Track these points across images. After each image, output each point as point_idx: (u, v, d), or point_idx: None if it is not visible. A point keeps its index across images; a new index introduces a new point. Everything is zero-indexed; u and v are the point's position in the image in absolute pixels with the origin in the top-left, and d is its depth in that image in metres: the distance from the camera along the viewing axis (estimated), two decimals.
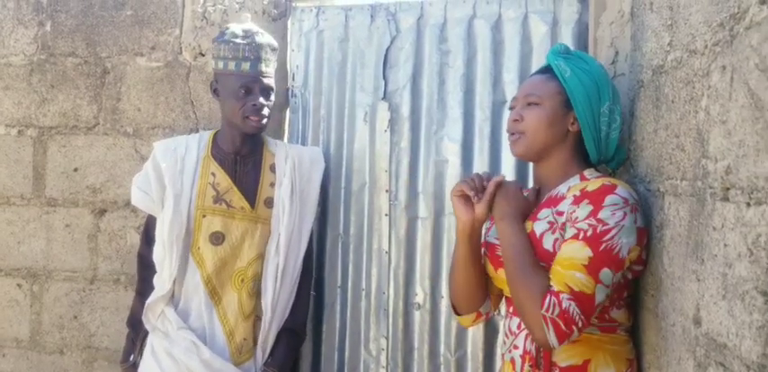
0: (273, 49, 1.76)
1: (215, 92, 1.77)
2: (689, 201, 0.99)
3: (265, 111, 1.72)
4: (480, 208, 1.30)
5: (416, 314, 1.94)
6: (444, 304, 1.91)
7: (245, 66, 1.69)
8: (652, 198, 1.22)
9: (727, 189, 0.81)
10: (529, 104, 1.32)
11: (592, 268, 1.12)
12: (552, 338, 1.11)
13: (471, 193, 1.30)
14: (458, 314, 1.45)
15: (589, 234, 1.14)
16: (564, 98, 1.29)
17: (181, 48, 2.09)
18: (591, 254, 1.13)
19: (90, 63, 2.17)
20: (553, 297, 1.11)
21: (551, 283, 1.14)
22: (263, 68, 1.72)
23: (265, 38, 1.74)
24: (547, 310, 1.11)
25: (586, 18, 1.80)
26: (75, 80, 2.17)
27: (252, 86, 1.70)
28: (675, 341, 1.04)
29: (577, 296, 1.11)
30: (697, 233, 0.94)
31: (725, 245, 0.81)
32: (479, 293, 1.38)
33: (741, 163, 0.77)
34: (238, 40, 1.70)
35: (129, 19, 2.13)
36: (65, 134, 2.18)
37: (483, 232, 1.39)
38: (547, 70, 1.34)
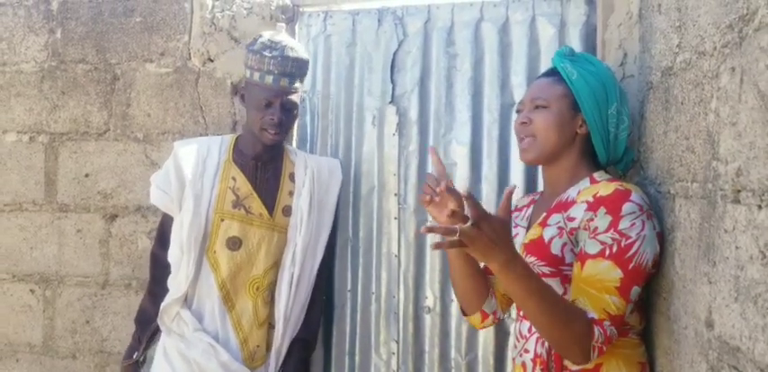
0: (302, 64, 1.72)
1: (242, 97, 1.77)
2: (700, 203, 0.98)
3: (283, 126, 1.71)
4: (453, 253, 1.32)
5: (427, 318, 1.93)
6: (455, 307, 1.90)
7: (269, 79, 1.68)
8: (663, 200, 1.22)
9: (738, 191, 0.81)
10: (537, 107, 1.31)
11: (624, 289, 1.13)
12: (594, 357, 1.12)
13: (427, 198, 1.24)
14: (465, 314, 1.45)
15: (615, 249, 1.14)
16: (571, 100, 1.29)
17: (190, 53, 2.10)
18: (621, 275, 1.13)
19: (100, 69, 2.19)
20: (599, 328, 1.11)
21: (588, 308, 1.12)
22: (286, 84, 1.69)
23: (294, 52, 1.70)
24: (596, 341, 1.11)
25: (594, 20, 1.80)
26: (85, 86, 2.19)
27: (272, 100, 1.69)
28: (688, 344, 1.03)
29: (614, 320, 1.13)
30: (708, 235, 0.93)
31: (736, 248, 0.81)
32: (476, 292, 1.38)
33: (752, 165, 0.76)
34: (266, 53, 1.67)
35: (139, 25, 2.15)
36: (76, 140, 2.20)
37: None
38: (553, 73, 1.34)
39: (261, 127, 1.70)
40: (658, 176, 1.27)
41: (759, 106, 0.75)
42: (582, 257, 1.17)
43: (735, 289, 0.81)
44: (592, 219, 1.17)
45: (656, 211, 1.22)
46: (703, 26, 0.98)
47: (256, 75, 1.69)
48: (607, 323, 1.12)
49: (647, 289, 1.27)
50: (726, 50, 0.87)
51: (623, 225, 1.14)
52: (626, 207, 1.15)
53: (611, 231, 1.14)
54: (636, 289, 1.14)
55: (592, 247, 1.16)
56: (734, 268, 0.82)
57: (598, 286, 1.13)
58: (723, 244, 0.86)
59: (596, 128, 1.28)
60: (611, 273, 1.13)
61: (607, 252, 1.14)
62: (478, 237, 0.98)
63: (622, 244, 1.13)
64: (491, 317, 1.42)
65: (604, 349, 1.12)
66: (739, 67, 0.81)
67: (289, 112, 1.72)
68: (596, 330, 1.11)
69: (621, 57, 1.63)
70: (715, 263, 0.90)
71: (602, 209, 1.16)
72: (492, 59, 1.89)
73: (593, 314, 1.11)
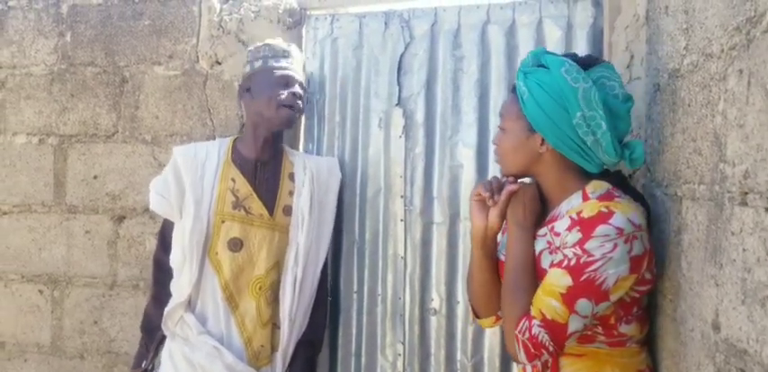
0: (303, 67, 1.93)
1: (247, 90, 1.81)
2: (707, 206, 0.98)
3: (300, 103, 1.80)
4: (493, 215, 1.28)
5: (433, 320, 1.93)
6: (461, 309, 1.90)
7: (284, 62, 1.81)
8: (669, 202, 1.21)
9: (746, 193, 0.81)
10: (500, 128, 1.32)
11: (568, 297, 1.12)
12: (522, 356, 1.17)
13: (487, 195, 1.28)
14: (477, 316, 1.44)
15: (572, 263, 1.13)
16: (526, 121, 1.24)
17: (198, 56, 2.12)
18: (570, 283, 1.13)
19: (109, 72, 2.20)
20: (526, 321, 1.15)
21: (531, 307, 1.17)
22: (299, 70, 1.87)
23: (300, 54, 1.92)
24: (519, 331, 1.15)
25: (601, 22, 1.80)
26: (94, 89, 2.21)
27: (290, 79, 1.80)
28: (694, 347, 1.03)
29: (548, 325, 1.13)
30: (715, 237, 0.93)
31: (743, 250, 0.81)
32: (496, 297, 1.36)
33: (759, 168, 0.76)
34: (279, 44, 1.85)
35: (147, 29, 2.16)
36: (84, 142, 2.22)
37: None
38: (515, 89, 1.30)
39: (279, 104, 1.76)
40: (665, 178, 1.27)
41: (767, 108, 0.75)
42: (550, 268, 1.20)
43: (742, 292, 0.81)
44: (567, 235, 1.17)
45: (662, 213, 1.22)
46: (711, 28, 0.98)
47: (271, 61, 1.81)
48: (536, 322, 1.14)
49: (653, 292, 1.27)
50: (733, 52, 0.87)
51: (590, 245, 1.12)
52: (600, 229, 1.13)
53: (576, 247, 1.14)
54: (584, 302, 1.11)
55: (557, 258, 1.18)
56: (741, 270, 0.82)
57: (547, 289, 1.15)
58: (730, 247, 0.86)
59: (562, 143, 1.22)
60: (560, 280, 1.14)
61: (565, 262, 1.15)
62: (531, 197, 1.27)
63: (581, 260, 1.13)
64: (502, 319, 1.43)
65: (532, 350, 1.14)
66: (747, 70, 0.81)
67: (302, 94, 1.83)
68: (523, 321, 1.15)
69: (628, 60, 1.63)
70: (722, 266, 0.90)
71: (577, 227, 1.15)
72: (498, 62, 1.89)
73: (531, 311, 1.16)
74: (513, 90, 1.29)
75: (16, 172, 2.27)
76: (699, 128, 1.03)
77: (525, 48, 1.87)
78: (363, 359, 2.00)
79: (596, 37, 1.81)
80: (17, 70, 2.28)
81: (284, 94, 1.76)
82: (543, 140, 1.23)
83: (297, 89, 1.79)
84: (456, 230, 1.92)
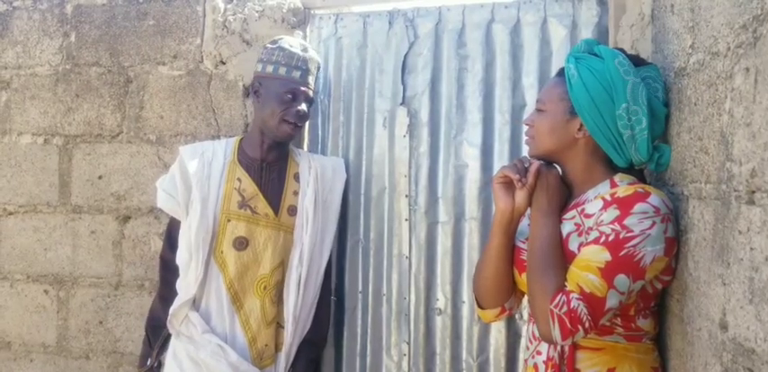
0: (318, 68, 1.86)
1: (255, 92, 1.80)
2: (713, 205, 0.98)
3: (303, 119, 1.78)
4: (521, 197, 1.28)
5: (438, 320, 1.93)
6: (466, 309, 1.90)
7: (296, 74, 1.77)
8: (676, 201, 1.21)
9: (753, 192, 0.80)
10: (538, 110, 1.31)
11: (607, 272, 1.11)
12: (556, 333, 1.12)
13: (516, 177, 1.27)
14: (481, 307, 1.42)
15: (611, 238, 1.13)
16: (569, 104, 1.25)
17: (202, 56, 2.12)
18: (609, 258, 1.11)
19: (113, 72, 2.21)
20: (563, 296, 1.12)
21: (566, 283, 1.14)
22: (311, 80, 1.81)
23: (316, 55, 1.85)
24: (556, 306, 1.12)
25: (606, 21, 1.79)
26: (99, 89, 2.22)
27: (298, 93, 1.76)
28: (702, 346, 1.02)
29: (587, 298, 1.10)
30: (722, 236, 0.93)
31: (751, 249, 0.81)
32: (506, 288, 1.35)
33: (766, 166, 0.76)
34: (295, 50, 1.78)
35: (152, 29, 2.17)
36: (89, 142, 2.22)
37: None
38: (562, 72, 1.32)
39: (282, 118, 1.74)
40: (672, 177, 1.26)
41: None
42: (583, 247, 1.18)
43: (749, 291, 0.81)
44: (602, 215, 1.17)
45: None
46: (717, 26, 0.98)
47: (282, 70, 1.76)
48: (575, 295, 1.11)
49: (661, 291, 1.26)
50: (740, 51, 0.86)
51: (629, 220, 1.13)
52: (639, 206, 1.14)
53: (615, 223, 1.14)
54: (623, 278, 1.11)
55: (592, 236, 1.17)
56: (748, 269, 0.81)
57: (582, 265, 1.13)
58: (737, 246, 0.86)
59: (599, 131, 1.23)
60: (598, 255, 1.12)
61: (602, 239, 1.14)
62: (554, 181, 1.29)
63: (621, 236, 1.12)
64: (507, 312, 1.41)
65: (568, 326, 1.10)
66: (753, 68, 0.81)
67: (308, 107, 1.79)
68: (559, 296, 1.12)
69: None
70: (729, 265, 0.89)
71: (614, 205, 1.16)
72: (503, 61, 1.89)
73: (566, 286, 1.13)
74: (560, 74, 1.31)
75: (21, 172, 2.28)
76: (705, 126, 1.03)
77: (530, 46, 1.87)
78: (368, 359, 2.00)
79: (601, 36, 1.80)
80: (22, 70, 2.29)
81: (289, 111, 1.74)
82: (582, 126, 1.25)
83: (302, 106, 1.76)
84: (461, 229, 1.92)
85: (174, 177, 1.78)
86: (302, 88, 1.77)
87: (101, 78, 2.22)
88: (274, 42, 1.81)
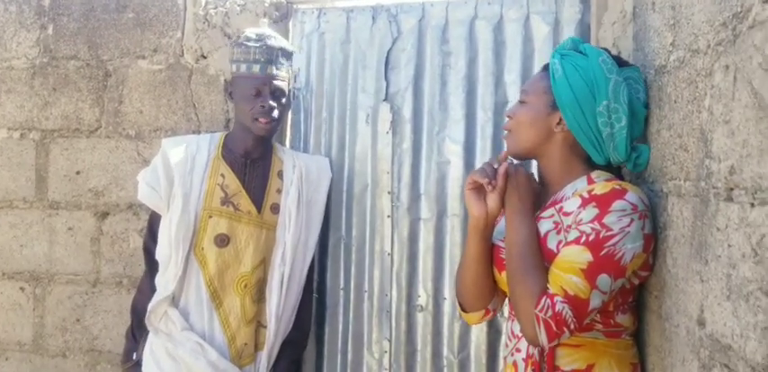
0: (286, 53, 1.78)
1: (230, 95, 1.78)
2: (692, 202, 0.98)
3: (275, 113, 1.73)
4: (492, 200, 1.27)
5: (419, 316, 1.93)
6: (447, 305, 1.90)
7: (255, 68, 1.72)
8: (655, 198, 1.21)
9: (731, 189, 0.81)
10: (521, 102, 1.32)
11: (590, 273, 1.11)
12: (542, 337, 1.12)
13: (485, 180, 1.26)
14: (465, 311, 1.42)
15: (591, 238, 1.13)
16: (551, 98, 1.26)
17: (183, 50, 2.09)
18: (591, 259, 1.12)
19: (92, 66, 2.17)
20: (548, 299, 1.12)
21: (548, 285, 1.14)
22: (274, 71, 1.73)
23: (278, 41, 1.76)
24: (541, 310, 1.12)
25: (588, 18, 1.80)
26: (77, 83, 2.18)
27: (261, 88, 1.72)
28: (680, 343, 1.03)
29: (571, 300, 1.11)
30: (701, 233, 0.93)
31: (729, 246, 0.81)
32: (488, 291, 1.36)
33: (745, 164, 0.76)
34: (250, 43, 1.72)
35: (131, 22, 2.13)
36: (67, 137, 2.19)
37: None
38: (548, 67, 1.33)
39: (252, 117, 1.71)
40: (651, 174, 1.27)
41: (752, 104, 0.74)
42: (563, 247, 1.18)
43: (727, 288, 0.81)
44: (580, 213, 1.17)
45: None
46: (697, 24, 0.98)
47: (243, 67, 1.72)
48: (559, 298, 1.11)
49: (640, 288, 1.27)
50: (720, 48, 0.87)
51: (608, 219, 1.13)
52: (617, 203, 1.14)
53: (594, 222, 1.14)
54: (605, 278, 1.11)
55: (571, 235, 1.17)
56: (726, 266, 0.82)
57: (565, 266, 1.14)
58: (716, 243, 0.86)
59: (579, 127, 1.24)
60: (579, 256, 1.13)
61: (583, 239, 1.14)
62: (524, 181, 1.28)
63: (601, 235, 1.13)
64: (491, 313, 1.41)
65: (554, 328, 1.10)
66: (733, 65, 0.81)
67: (278, 100, 1.74)
68: (544, 299, 1.12)
69: None
70: (707, 261, 0.90)
71: (593, 203, 1.16)
72: (486, 57, 1.89)
73: (549, 289, 1.13)
74: (546, 68, 1.32)
75: None
76: (685, 124, 1.03)
77: (513, 43, 1.87)
78: (350, 356, 1.99)
79: (583, 33, 1.81)
80: None
81: (256, 107, 1.70)
82: (561, 120, 1.25)
83: (268, 100, 1.70)
84: (443, 226, 1.91)
85: (157, 169, 1.75)
86: (264, 82, 1.71)
87: (79, 72, 2.18)
88: (236, 38, 1.78)
